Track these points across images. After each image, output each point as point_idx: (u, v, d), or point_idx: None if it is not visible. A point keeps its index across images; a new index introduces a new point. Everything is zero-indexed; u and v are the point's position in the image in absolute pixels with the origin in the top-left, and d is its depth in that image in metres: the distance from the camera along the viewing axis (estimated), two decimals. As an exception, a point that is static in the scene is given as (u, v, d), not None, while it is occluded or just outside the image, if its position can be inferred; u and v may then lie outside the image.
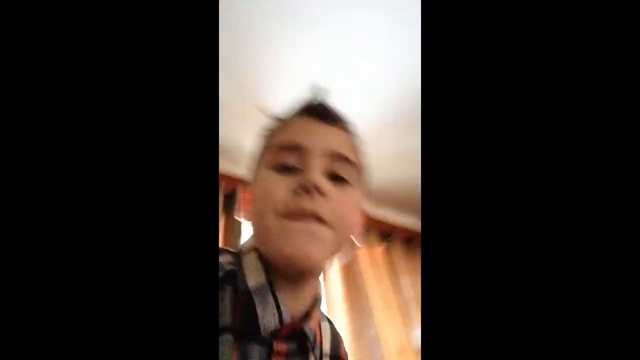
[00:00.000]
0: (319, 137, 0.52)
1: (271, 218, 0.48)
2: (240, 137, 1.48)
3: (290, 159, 0.51)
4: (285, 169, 0.50)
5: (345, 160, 0.52)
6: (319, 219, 0.47)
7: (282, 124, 0.57)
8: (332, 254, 0.49)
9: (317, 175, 0.48)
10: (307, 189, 0.47)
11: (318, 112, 0.55)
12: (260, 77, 1.34)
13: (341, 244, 0.51)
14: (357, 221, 0.54)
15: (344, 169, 0.51)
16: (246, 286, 0.46)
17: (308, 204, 0.47)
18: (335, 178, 0.51)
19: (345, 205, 0.50)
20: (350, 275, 1.68)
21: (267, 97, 1.38)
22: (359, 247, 0.58)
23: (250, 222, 0.52)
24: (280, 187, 0.49)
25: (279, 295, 0.47)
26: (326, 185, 0.49)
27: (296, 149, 0.51)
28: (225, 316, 0.44)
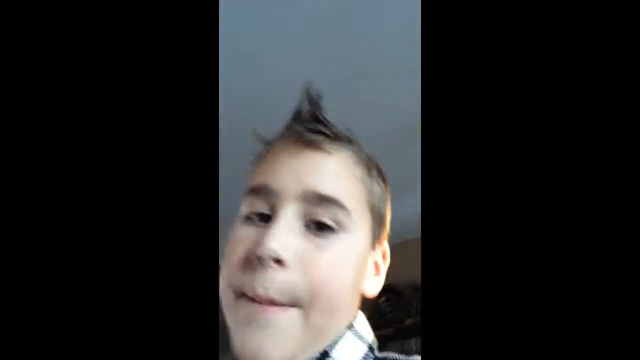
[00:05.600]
0: (293, 172, 0.38)
1: (230, 296, 0.35)
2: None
3: (260, 205, 0.38)
4: (259, 218, 0.38)
5: (331, 201, 0.38)
6: (280, 303, 0.33)
7: (266, 150, 0.43)
8: (305, 349, 0.35)
9: (277, 236, 0.35)
10: (261, 260, 0.34)
11: (302, 131, 0.41)
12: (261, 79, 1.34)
13: (322, 331, 0.36)
14: (350, 290, 0.39)
15: (329, 214, 0.37)
16: None
17: (261, 283, 0.33)
18: (320, 227, 0.37)
19: (326, 269, 0.36)
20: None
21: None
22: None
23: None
24: (243, 246, 0.36)
25: None
26: (289, 251, 0.35)
27: (265, 191, 0.39)
28: None
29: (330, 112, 0.43)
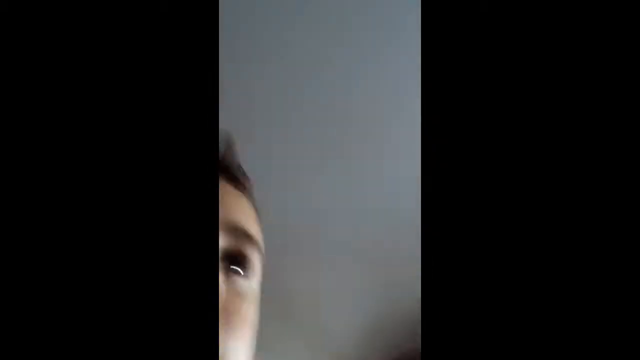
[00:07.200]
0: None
1: None
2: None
3: None
4: None
5: (247, 237, 0.35)
6: None
7: None
8: None
9: None
10: None
11: (223, 170, 0.39)
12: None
13: None
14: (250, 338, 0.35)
15: (245, 251, 0.35)
16: None
17: None
18: (235, 263, 0.35)
19: (237, 315, 0.33)
20: None
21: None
22: None
23: None
24: None
25: None
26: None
27: None
28: None
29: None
